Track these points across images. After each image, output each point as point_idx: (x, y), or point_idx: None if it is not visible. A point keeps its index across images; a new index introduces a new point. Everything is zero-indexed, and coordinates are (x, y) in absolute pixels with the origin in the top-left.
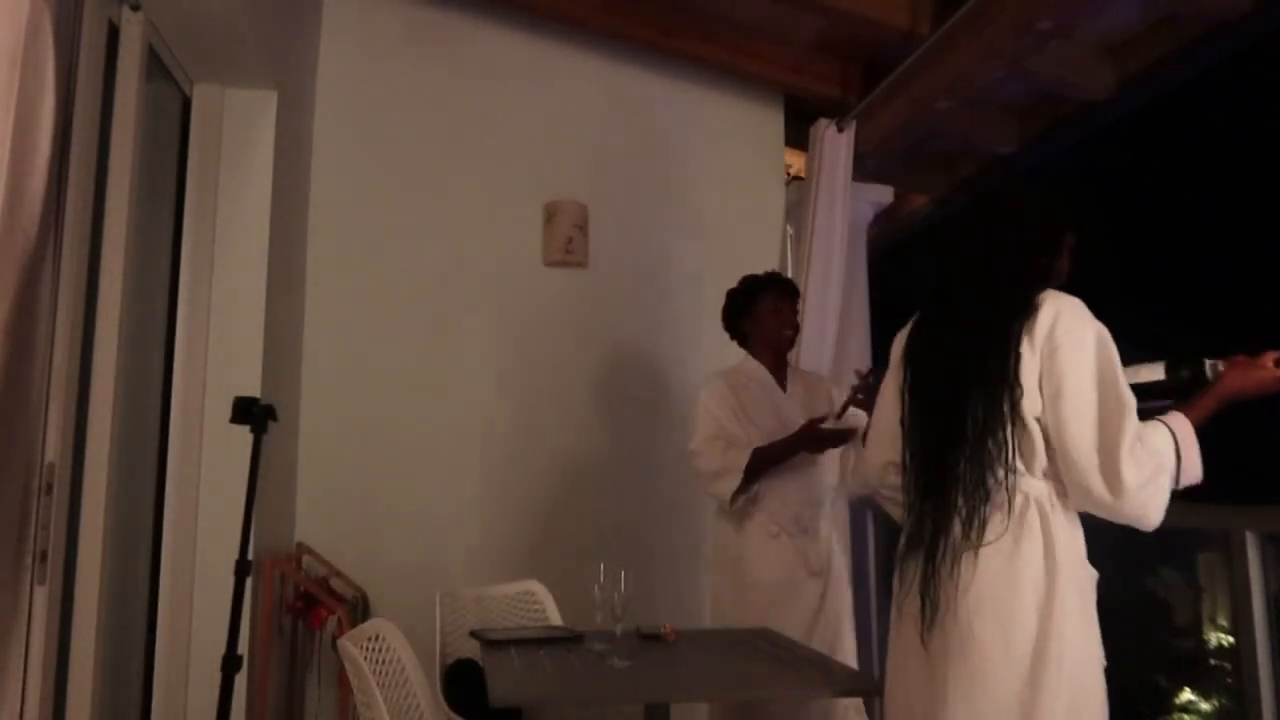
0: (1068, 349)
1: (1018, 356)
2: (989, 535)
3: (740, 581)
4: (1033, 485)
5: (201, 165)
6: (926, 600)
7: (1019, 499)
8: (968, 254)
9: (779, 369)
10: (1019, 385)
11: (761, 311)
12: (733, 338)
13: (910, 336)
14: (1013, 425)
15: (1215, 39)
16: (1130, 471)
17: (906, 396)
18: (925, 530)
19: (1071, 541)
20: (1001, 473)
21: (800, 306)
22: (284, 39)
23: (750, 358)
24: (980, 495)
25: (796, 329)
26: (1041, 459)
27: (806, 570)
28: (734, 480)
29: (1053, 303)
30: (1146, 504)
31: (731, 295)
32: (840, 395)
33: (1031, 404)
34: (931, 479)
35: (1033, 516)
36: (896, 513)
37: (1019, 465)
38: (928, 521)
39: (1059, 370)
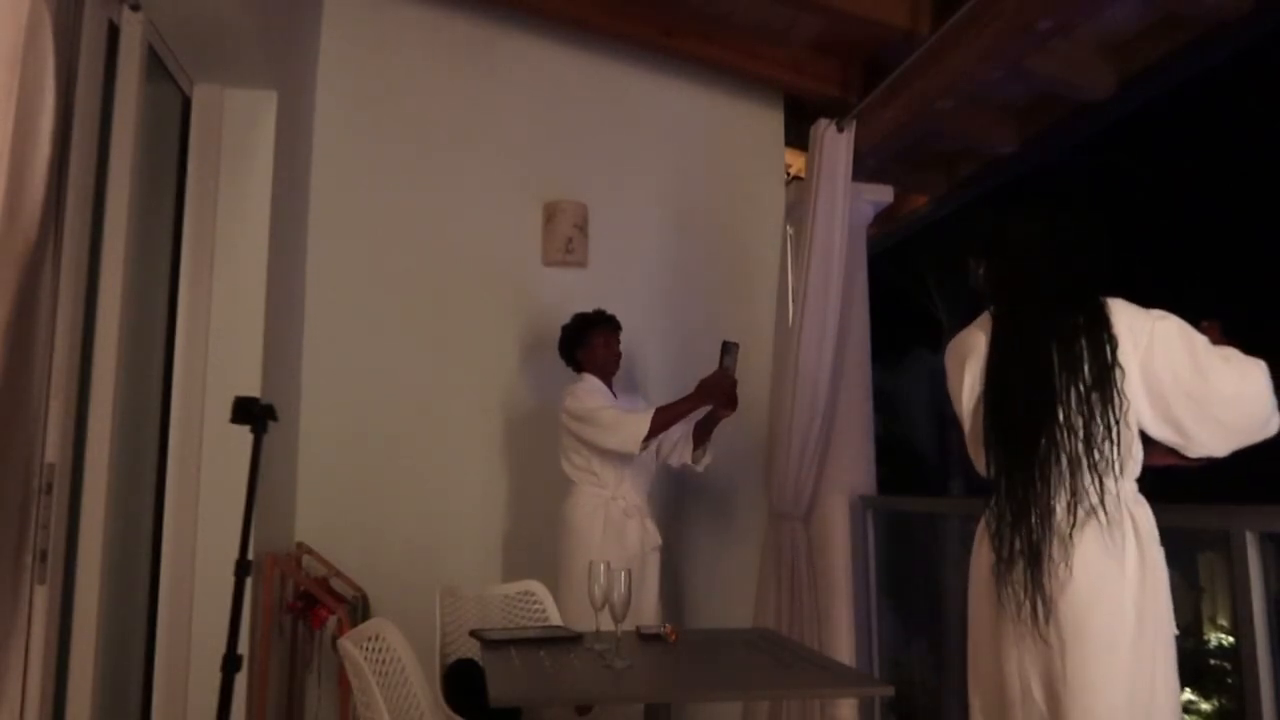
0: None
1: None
2: (1088, 534)
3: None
4: (1122, 484)
5: (201, 165)
6: (1037, 596)
7: (1110, 497)
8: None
9: (609, 388)
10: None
11: (594, 343)
12: (568, 365)
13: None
14: (1109, 425)
15: (1215, 39)
16: None
17: (988, 401)
18: (1023, 531)
19: (1149, 523)
20: (1094, 473)
21: (800, 306)
22: (284, 39)
23: (591, 377)
24: (1078, 496)
25: (620, 355)
26: (1128, 451)
27: (651, 545)
28: (642, 425)
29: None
30: None
31: (566, 330)
32: None
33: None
34: (1025, 476)
35: (1123, 513)
36: None
37: (1115, 460)
38: (1026, 523)
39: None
